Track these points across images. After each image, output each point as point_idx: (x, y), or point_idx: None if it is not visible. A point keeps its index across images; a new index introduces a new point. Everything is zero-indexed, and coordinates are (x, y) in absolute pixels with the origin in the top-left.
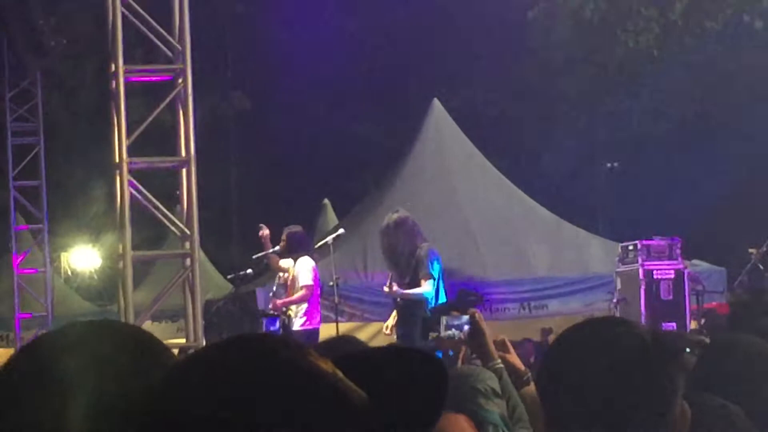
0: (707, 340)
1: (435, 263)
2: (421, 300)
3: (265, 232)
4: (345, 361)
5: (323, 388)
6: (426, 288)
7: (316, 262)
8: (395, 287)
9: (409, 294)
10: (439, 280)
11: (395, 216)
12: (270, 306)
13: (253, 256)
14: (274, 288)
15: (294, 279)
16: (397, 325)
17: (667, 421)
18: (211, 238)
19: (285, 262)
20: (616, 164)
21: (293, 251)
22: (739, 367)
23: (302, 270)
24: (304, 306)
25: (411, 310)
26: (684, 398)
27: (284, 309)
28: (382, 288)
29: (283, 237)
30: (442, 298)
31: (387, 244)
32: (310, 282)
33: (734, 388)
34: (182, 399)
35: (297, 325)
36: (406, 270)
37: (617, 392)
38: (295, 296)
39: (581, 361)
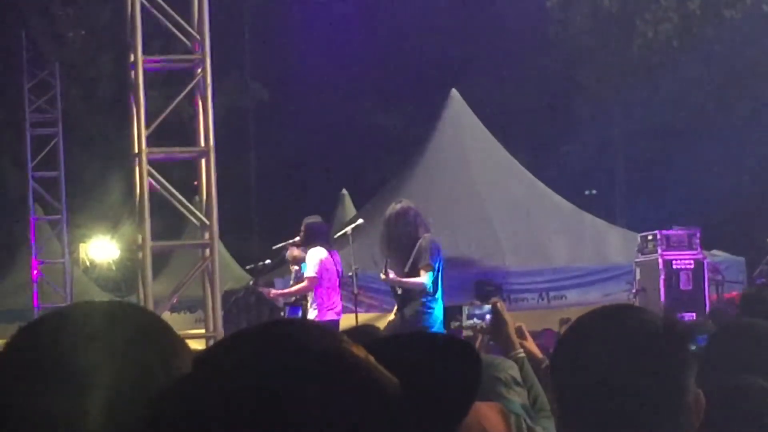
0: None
1: (436, 255)
2: (420, 289)
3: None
4: (376, 347)
5: (357, 375)
6: (424, 279)
7: (335, 253)
8: (392, 275)
9: (406, 282)
10: (439, 272)
11: (398, 206)
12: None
13: (273, 247)
14: (291, 282)
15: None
16: (397, 314)
17: (681, 407)
18: (230, 229)
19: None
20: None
21: (309, 241)
22: (749, 350)
23: (308, 261)
24: (314, 298)
25: (411, 299)
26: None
27: (291, 299)
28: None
29: (302, 227)
30: (441, 291)
31: (388, 234)
32: (312, 274)
33: (743, 371)
34: (212, 387)
35: (310, 317)
36: (406, 260)
37: (630, 379)
38: (294, 288)
39: (593, 349)
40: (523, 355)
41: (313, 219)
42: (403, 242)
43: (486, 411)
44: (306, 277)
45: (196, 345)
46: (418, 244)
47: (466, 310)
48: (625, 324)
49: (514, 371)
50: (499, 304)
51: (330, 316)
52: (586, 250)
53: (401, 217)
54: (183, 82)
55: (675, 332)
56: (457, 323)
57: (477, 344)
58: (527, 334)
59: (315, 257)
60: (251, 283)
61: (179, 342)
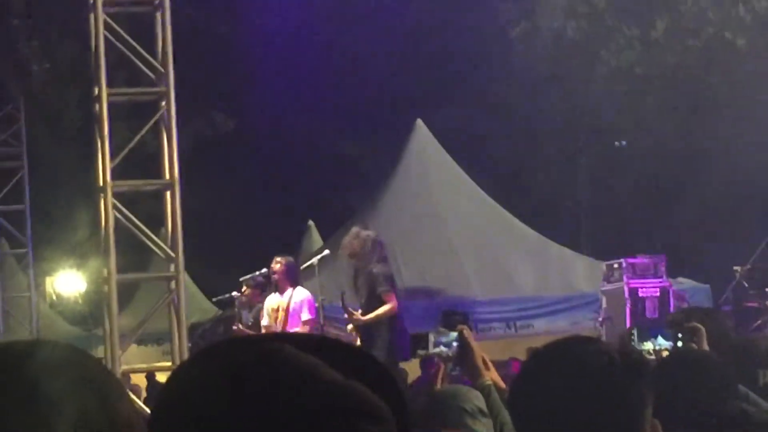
0: None
1: (391, 282)
2: (389, 317)
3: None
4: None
5: (328, 393)
6: (390, 305)
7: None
8: (356, 315)
9: (377, 317)
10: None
11: (371, 233)
12: None
13: (240, 279)
14: (265, 318)
15: (290, 311)
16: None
17: None
18: (196, 261)
19: (273, 298)
20: (624, 143)
21: (291, 280)
22: (689, 379)
23: (303, 303)
24: None
25: (373, 332)
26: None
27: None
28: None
29: (282, 264)
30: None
31: (365, 260)
32: (311, 316)
33: (684, 400)
34: (178, 409)
35: None
36: (363, 287)
37: (586, 411)
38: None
39: (550, 381)
40: (489, 382)
41: (288, 258)
42: (368, 267)
43: None
44: (305, 321)
45: (164, 378)
46: (371, 270)
47: (432, 337)
48: (581, 356)
49: (479, 401)
50: (465, 332)
51: None
52: (553, 279)
53: (377, 245)
54: (148, 113)
55: (631, 363)
56: (423, 351)
57: (440, 373)
58: (490, 365)
59: (305, 298)
60: (219, 313)
61: (118, 387)
